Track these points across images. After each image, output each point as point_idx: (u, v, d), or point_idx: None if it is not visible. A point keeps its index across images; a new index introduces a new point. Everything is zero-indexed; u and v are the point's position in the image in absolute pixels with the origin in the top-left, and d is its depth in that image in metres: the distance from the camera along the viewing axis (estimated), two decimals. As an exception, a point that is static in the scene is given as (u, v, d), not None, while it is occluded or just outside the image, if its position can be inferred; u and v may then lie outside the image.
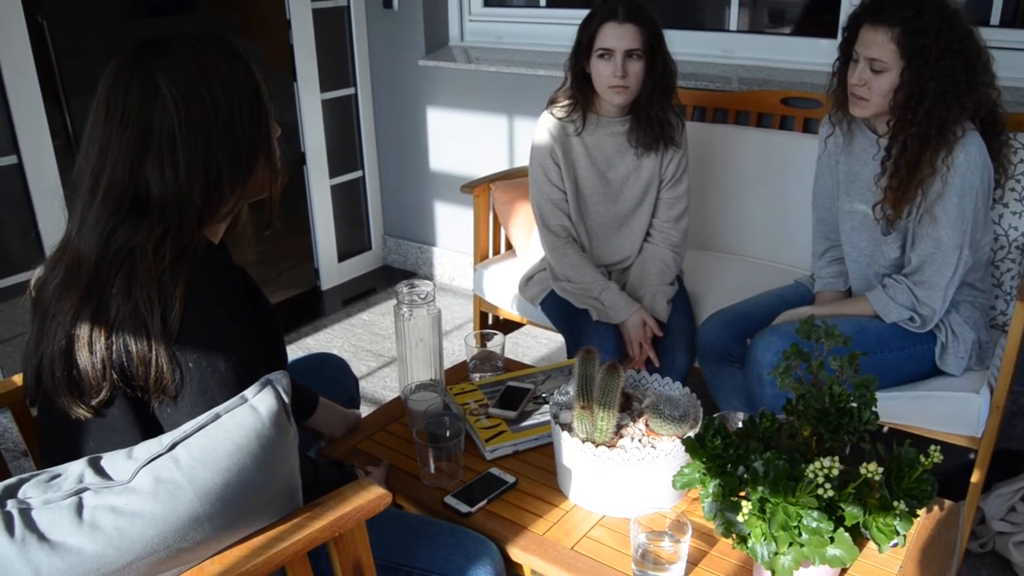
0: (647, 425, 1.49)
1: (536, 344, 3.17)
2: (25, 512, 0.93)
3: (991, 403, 1.85)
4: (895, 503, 1.15)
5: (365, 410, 1.86)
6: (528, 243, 2.59)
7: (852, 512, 1.15)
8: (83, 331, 1.11)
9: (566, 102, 2.24)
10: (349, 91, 3.63)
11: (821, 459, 1.12)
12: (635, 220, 2.29)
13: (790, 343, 1.33)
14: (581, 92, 2.20)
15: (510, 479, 1.54)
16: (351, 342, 3.24)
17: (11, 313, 2.74)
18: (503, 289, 2.59)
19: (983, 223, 1.84)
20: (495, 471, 1.56)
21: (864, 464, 1.14)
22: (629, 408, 1.55)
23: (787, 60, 2.81)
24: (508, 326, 2.78)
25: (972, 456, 1.93)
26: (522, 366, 1.96)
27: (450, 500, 1.49)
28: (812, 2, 2.96)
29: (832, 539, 1.13)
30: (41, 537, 0.92)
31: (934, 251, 1.82)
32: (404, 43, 3.46)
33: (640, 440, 1.46)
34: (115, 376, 1.11)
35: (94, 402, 1.13)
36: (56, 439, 1.22)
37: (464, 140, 3.47)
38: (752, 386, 1.91)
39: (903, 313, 1.87)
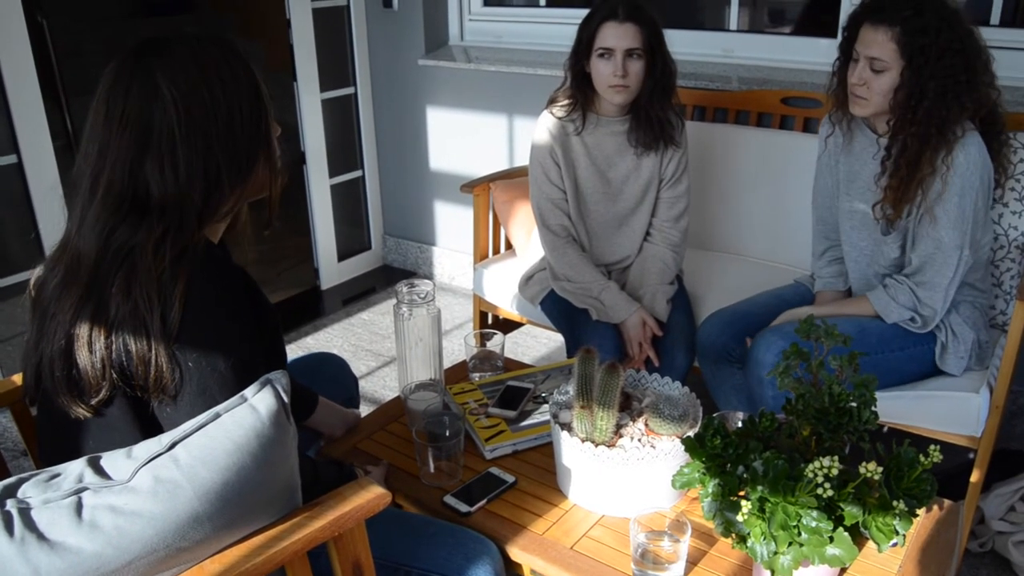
0: (647, 425, 1.49)
1: (536, 344, 3.17)
2: (24, 512, 0.93)
3: (991, 403, 1.85)
4: (894, 503, 1.15)
5: (365, 410, 1.86)
6: (528, 242, 2.59)
7: (851, 512, 1.15)
8: (83, 330, 1.11)
9: (566, 101, 2.24)
10: (349, 91, 3.63)
11: (820, 459, 1.12)
12: (635, 220, 2.29)
13: (791, 343, 1.33)
14: (581, 91, 2.20)
15: (510, 479, 1.54)
16: (351, 342, 3.24)
17: (11, 312, 2.74)
18: (503, 289, 2.59)
19: (983, 223, 1.84)
20: (495, 471, 1.56)
21: (863, 464, 1.14)
22: (629, 408, 1.55)
23: (787, 60, 2.81)
24: (508, 326, 2.78)
25: (971, 456, 1.93)
26: (522, 366, 1.96)
27: (449, 500, 1.49)
28: (812, 2, 2.96)
29: (831, 539, 1.13)
30: (40, 537, 0.92)
31: (934, 251, 1.82)
32: (404, 43, 3.47)
33: (640, 440, 1.46)
34: (115, 375, 1.11)
35: (94, 401, 1.13)
36: (55, 438, 1.22)
37: (464, 140, 3.47)
38: (753, 387, 1.91)
39: (904, 313, 1.86)
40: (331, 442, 1.69)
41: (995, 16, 2.45)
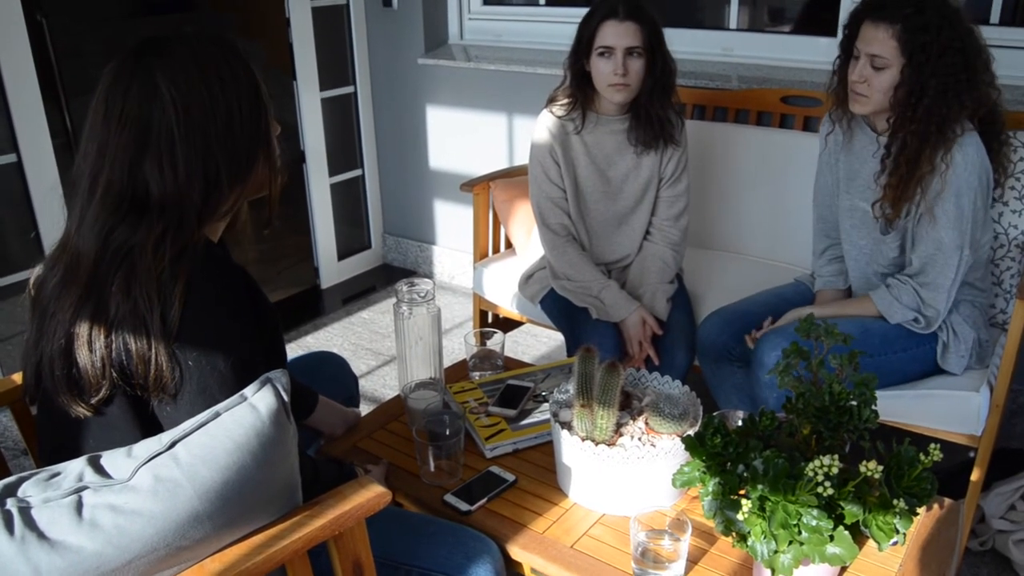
0: (647, 423, 1.49)
1: (536, 342, 3.17)
2: (25, 511, 0.93)
3: (991, 401, 1.85)
4: (895, 501, 1.15)
5: (365, 408, 1.86)
6: (528, 241, 2.59)
7: (852, 510, 1.15)
8: (82, 329, 1.11)
9: (565, 100, 2.24)
10: (348, 90, 3.63)
11: (821, 457, 1.12)
12: (635, 218, 2.29)
13: (791, 343, 1.33)
14: (581, 90, 2.20)
15: (510, 477, 1.54)
16: (351, 340, 3.24)
17: (11, 312, 2.74)
18: (503, 287, 2.59)
19: (983, 223, 1.84)
20: (495, 469, 1.56)
21: (864, 462, 1.14)
22: (629, 406, 1.55)
23: (787, 58, 2.80)
24: (508, 324, 2.78)
25: (972, 454, 1.92)
26: (522, 364, 1.96)
27: (450, 498, 1.49)
28: (812, 0, 2.96)
29: (832, 537, 1.13)
30: (41, 536, 0.92)
31: (935, 252, 1.81)
32: (404, 41, 3.46)
33: (640, 438, 1.46)
34: (115, 374, 1.11)
35: (94, 400, 1.13)
36: (56, 438, 1.22)
37: (464, 138, 3.46)
38: (757, 389, 1.91)
39: (908, 314, 1.86)
40: (331, 441, 1.69)
41: (995, 15, 2.45)
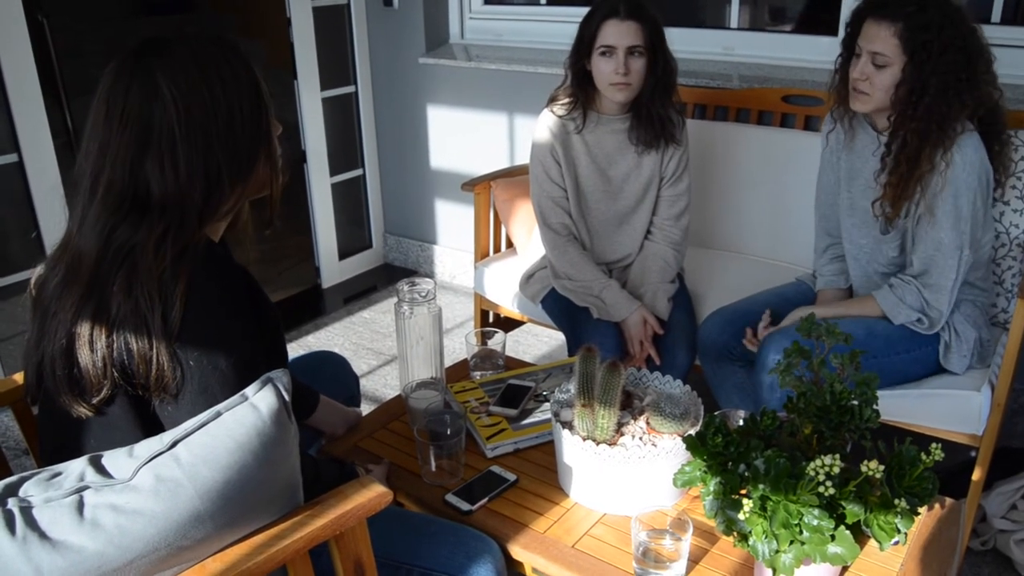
0: (648, 423, 1.49)
1: (537, 342, 3.17)
2: (26, 510, 0.93)
3: (992, 401, 1.85)
4: (896, 501, 1.15)
5: (366, 408, 1.86)
6: (529, 241, 2.59)
7: (853, 510, 1.14)
8: (84, 329, 1.11)
9: (566, 100, 2.24)
10: (349, 89, 3.63)
11: (822, 457, 1.12)
12: (636, 218, 2.29)
13: (792, 342, 1.32)
14: (582, 90, 2.20)
15: (511, 477, 1.54)
16: (352, 340, 3.24)
17: (12, 311, 2.74)
18: (504, 287, 2.59)
19: (983, 222, 1.84)
20: (496, 469, 1.56)
21: (865, 462, 1.14)
22: (630, 406, 1.55)
23: (788, 58, 2.80)
24: (509, 324, 2.78)
25: (973, 454, 1.92)
26: (523, 364, 1.96)
27: (451, 498, 1.49)
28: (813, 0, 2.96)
29: (833, 537, 1.13)
30: (42, 535, 0.92)
31: (935, 253, 1.81)
32: (404, 41, 3.46)
33: (641, 438, 1.46)
34: (116, 374, 1.11)
35: (95, 400, 1.13)
36: (57, 437, 1.22)
37: (464, 138, 3.46)
38: (758, 390, 1.90)
39: (912, 315, 1.86)
40: (332, 441, 1.69)
41: (996, 14, 2.45)
